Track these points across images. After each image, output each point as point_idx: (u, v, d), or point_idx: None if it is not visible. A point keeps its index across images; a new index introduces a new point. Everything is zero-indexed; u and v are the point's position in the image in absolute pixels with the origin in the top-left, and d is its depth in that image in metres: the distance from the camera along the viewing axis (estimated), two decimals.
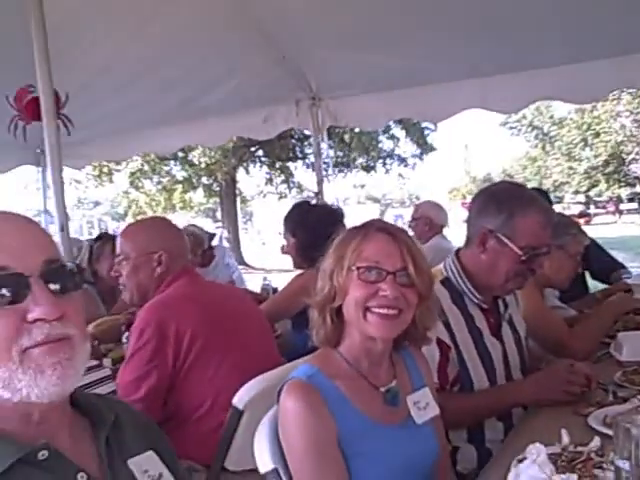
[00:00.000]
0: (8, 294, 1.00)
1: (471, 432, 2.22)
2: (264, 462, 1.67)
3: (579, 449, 1.66)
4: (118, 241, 2.67)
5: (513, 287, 2.32)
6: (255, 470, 1.75)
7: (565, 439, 1.71)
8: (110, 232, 4.49)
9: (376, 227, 1.68)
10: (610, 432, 1.74)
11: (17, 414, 1.03)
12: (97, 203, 46.87)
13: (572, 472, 1.51)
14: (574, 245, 3.01)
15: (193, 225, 5.81)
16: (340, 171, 21.30)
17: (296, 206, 3.68)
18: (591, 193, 37.48)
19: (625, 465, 1.35)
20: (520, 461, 1.53)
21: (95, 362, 2.48)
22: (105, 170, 19.28)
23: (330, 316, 1.67)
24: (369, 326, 1.61)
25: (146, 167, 20.79)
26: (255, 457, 1.70)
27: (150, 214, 22.83)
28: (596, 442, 1.66)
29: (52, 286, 1.04)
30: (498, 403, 2.21)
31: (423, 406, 1.73)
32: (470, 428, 2.22)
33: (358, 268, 1.61)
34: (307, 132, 8.54)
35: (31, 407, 1.03)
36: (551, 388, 2.11)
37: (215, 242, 5.83)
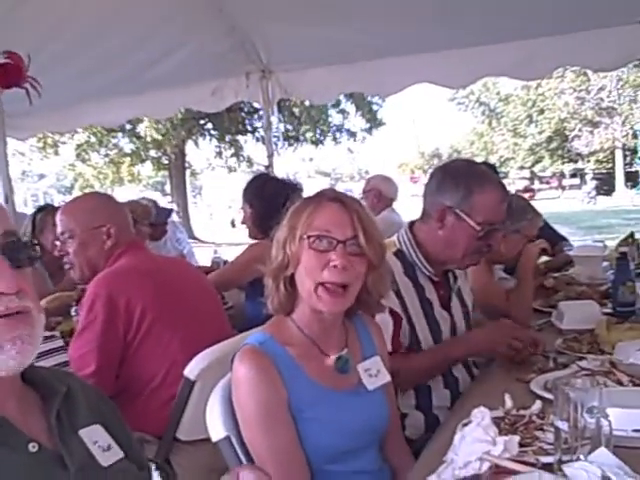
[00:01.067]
0: None
1: (419, 399, 2.27)
2: (216, 430, 1.69)
3: (521, 412, 1.73)
4: (59, 219, 2.59)
5: (469, 263, 2.37)
6: (207, 440, 1.77)
7: (508, 403, 1.78)
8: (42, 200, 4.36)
9: (328, 196, 1.69)
10: (550, 396, 1.82)
11: None
12: (42, 176, 45.57)
13: (514, 434, 1.57)
14: (530, 229, 3.13)
15: (146, 198, 5.73)
16: (290, 145, 21.21)
17: (254, 178, 3.71)
18: (535, 169, 38.29)
19: (564, 426, 1.41)
20: (465, 425, 1.59)
21: (48, 333, 2.44)
22: (50, 142, 18.75)
23: (283, 284, 1.68)
24: (318, 301, 1.63)
25: (93, 139, 20.27)
26: (207, 426, 1.72)
27: (98, 187, 22.37)
28: (537, 406, 1.74)
29: (9, 260, 1.03)
30: (448, 354, 2.28)
31: (374, 373, 1.77)
32: (418, 395, 2.27)
33: (309, 237, 1.63)
34: (257, 105, 8.46)
35: None
36: (497, 339, 2.23)
37: (172, 218, 5.76)
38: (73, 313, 3.09)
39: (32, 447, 1.05)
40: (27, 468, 1.03)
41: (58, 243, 2.59)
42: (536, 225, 3.16)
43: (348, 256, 1.62)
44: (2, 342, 1.00)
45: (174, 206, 20.77)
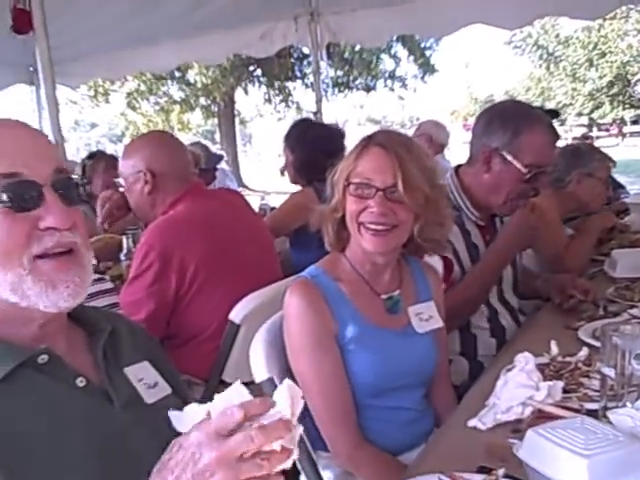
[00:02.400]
0: (21, 201, 1.00)
1: (464, 346, 2.26)
2: (259, 371, 1.72)
3: (567, 359, 1.71)
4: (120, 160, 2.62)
5: (515, 207, 2.30)
6: (252, 382, 1.79)
7: (554, 350, 1.75)
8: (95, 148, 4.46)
9: (375, 141, 1.69)
10: (598, 344, 1.79)
11: (20, 319, 1.05)
12: (94, 125, 46.16)
13: (559, 380, 1.55)
14: (602, 170, 3.09)
15: (197, 143, 5.79)
16: (340, 91, 20.91)
17: (296, 123, 3.64)
18: (594, 115, 36.95)
19: (610, 372, 1.39)
20: (509, 370, 1.57)
21: (97, 276, 2.49)
22: (101, 90, 18.90)
23: (335, 224, 1.73)
24: (363, 240, 1.67)
25: (143, 87, 20.37)
26: (250, 367, 1.74)
27: None
28: (584, 352, 1.71)
29: (61, 197, 1.04)
30: (493, 258, 2.25)
31: (426, 318, 1.78)
32: (463, 342, 2.26)
33: (350, 184, 1.67)
34: (306, 51, 8.34)
35: (35, 313, 1.04)
36: (533, 225, 2.25)
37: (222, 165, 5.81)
38: (122, 258, 3.13)
39: (80, 382, 1.07)
40: (76, 402, 1.05)
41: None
42: (607, 166, 3.13)
43: (388, 203, 1.62)
44: (56, 282, 1.02)
45: (223, 154, 20.88)
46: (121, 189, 2.58)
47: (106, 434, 1.05)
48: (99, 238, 3.38)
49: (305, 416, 1.65)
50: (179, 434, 0.90)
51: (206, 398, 2.45)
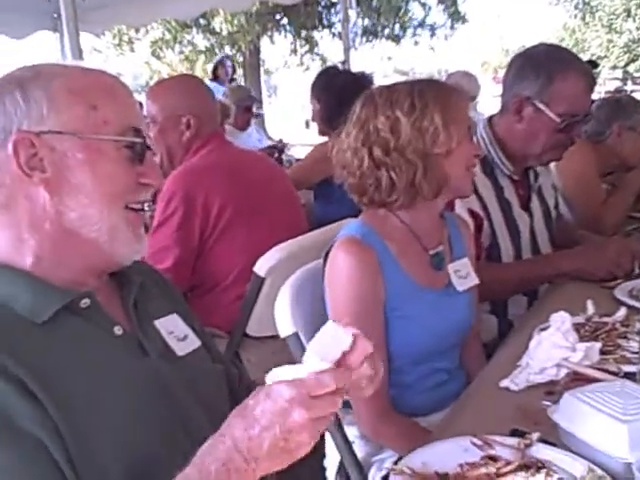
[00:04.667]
0: (139, 155, 1.08)
1: (494, 304, 2.20)
2: (285, 327, 1.68)
3: (604, 319, 1.65)
4: (145, 102, 2.53)
5: (551, 158, 2.24)
6: (275, 336, 1.76)
7: (590, 309, 1.70)
8: None
9: (459, 92, 1.70)
10: (636, 304, 1.73)
11: (84, 262, 1.08)
12: (119, 74, 45.72)
13: (596, 341, 1.50)
14: None
15: (237, 87, 5.93)
16: (368, 41, 20.51)
17: (323, 71, 3.58)
18: (630, 68, 35.92)
19: None
20: (543, 330, 1.52)
21: None
22: (125, 39, 18.76)
23: (434, 168, 1.59)
24: (467, 183, 1.67)
25: (167, 35, 20.17)
26: (276, 322, 1.71)
27: None
28: (622, 312, 1.65)
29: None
30: (541, 271, 2.15)
31: (464, 275, 1.72)
32: (493, 300, 2.20)
33: (468, 126, 1.65)
34: None
35: (105, 260, 1.09)
36: (598, 264, 2.05)
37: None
38: (146, 208, 3.10)
39: (117, 330, 1.08)
40: (114, 350, 1.06)
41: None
42: None
43: None
44: (139, 236, 1.10)
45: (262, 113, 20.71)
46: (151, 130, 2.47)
47: (148, 381, 1.06)
48: None
49: None
50: (211, 388, 0.90)
51: (229, 351, 2.44)
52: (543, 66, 2.09)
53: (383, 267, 1.57)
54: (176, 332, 1.19)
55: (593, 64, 2.80)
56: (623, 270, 2.04)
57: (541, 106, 2.08)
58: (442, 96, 1.59)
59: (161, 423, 1.04)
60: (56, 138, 1.02)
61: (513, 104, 2.13)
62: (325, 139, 3.29)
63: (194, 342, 1.21)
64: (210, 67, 23.22)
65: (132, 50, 20.25)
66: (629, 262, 2.06)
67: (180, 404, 1.08)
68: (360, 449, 1.64)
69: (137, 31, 17.30)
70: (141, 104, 3.84)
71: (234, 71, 7.35)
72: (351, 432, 1.65)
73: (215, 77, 7.09)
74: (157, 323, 1.18)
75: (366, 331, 1.51)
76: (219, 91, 5.97)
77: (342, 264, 1.56)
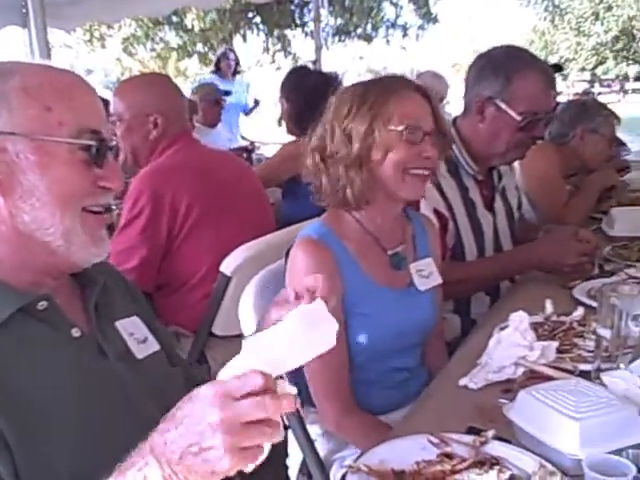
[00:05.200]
0: (98, 157, 1.06)
1: (457, 304, 2.23)
2: (249, 325, 1.69)
3: (562, 319, 1.68)
4: (112, 99, 2.49)
5: (514, 157, 2.27)
6: (241, 335, 1.76)
7: (549, 309, 1.73)
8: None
9: (410, 86, 1.63)
10: (593, 303, 1.76)
11: (41, 265, 1.06)
12: (89, 71, 45.28)
13: (553, 340, 1.53)
14: (607, 126, 3.03)
15: (205, 81, 5.83)
16: (340, 40, 20.53)
17: (292, 71, 3.57)
18: (598, 71, 36.45)
19: (606, 333, 1.36)
20: (502, 329, 1.55)
21: None
22: (97, 35, 18.54)
23: (362, 179, 1.60)
24: (404, 189, 1.61)
25: (139, 32, 19.98)
26: (239, 321, 1.71)
27: None
28: (579, 312, 1.68)
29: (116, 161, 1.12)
30: (506, 267, 2.19)
31: (426, 275, 1.74)
32: (457, 299, 2.23)
33: (402, 128, 1.57)
34: None
35: (62, 263, 1.07)
36: (564, 258, 2.08)
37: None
38: (113, 207, 3.08)
39: (75, 332, 1.07)
40: (71, 352, 1.05)
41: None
42: (612, 123, 3.07)
43: (433, 147, 1.60)
44: (96, 239, 1.07)
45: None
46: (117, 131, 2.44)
47: (106, 384, 1.05)
48: None
49: (296, 372, 1.63)
50: (169, 391, 0.88)
51: (195, 350, 2.43)
52: (503, 66, 2.11)
53: (340, 266, 1.58)
54: (137, 334, 1.19)
55: (558, 67, 2.85)
56: (588, 260, 2.08)
57: (502, 105, 2.11)
58: (380, 101, 1.58)
59: (119, 426, 1.03)
60: (8, 139, 1.00)
61: (475, 104, 2.16)
62: (293, 138, 3.30)
63: (153, 345, 1.20)
64: (183, 64, 22.93)
65: (103, 46, 20.01)
66: (590, 247, 2.09)
67: (138, 406, 1.07)
68: (322, 447, 1.65)
69: (109, 27, 17.08)
70: (106, 102, 3.79)
71: (237, 64, 6.91)
72: (313, 430, 1.66)
73: (217, 70, 6.74)
74: (118, 325, 1.17)
75: None
76: (221, 85, 5.88)
77: (300, 263, 1.58)
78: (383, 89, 1.61)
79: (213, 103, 5.42)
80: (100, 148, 1.06)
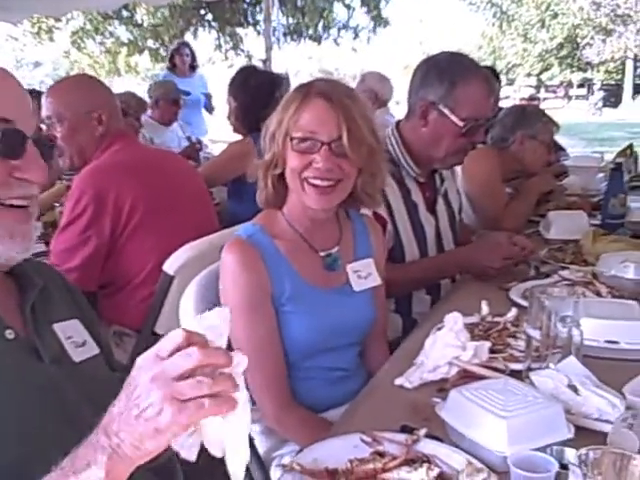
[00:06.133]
0: (9, 148, 1.02)
1: (398, 303, 2.27)
2: (189, 325, 1.68)
3: (496, 319, 1.72)
4: (46, 102, 2.43)
5: (454, 161, 2.32)
6: None
7: (484, 310, 1.77)
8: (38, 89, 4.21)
9: (317, 90, 1.59)
10: (527, 304, 1.81)
11: None
12: (38, 64, 44.21)
13: (487, 340, 1.57)
14: (546, 133, 3.11)
15: (163, 81, 5.68)
16: (293, 40, 20.54)
17: (240, 70, 3.59)
18: (543, 77, 37.37)
19: (536, 334, 1.40)
20: (439, 329, 1.58)
21: None
22: (44, 27, 18.12)
23: (272, 180, 1.65)
24: (307, 197, 1.60)
25: (88, 26, 19.59)
26: (179, 320, 1.71)
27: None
28: (513, 313, 1.73)
29: (41, 152, 1.07)
30: (440, 270, 2.27)
31: (364, 275, 1.74)
32: (398, 299, 2.26)
33: (292, 139, 1.57)
34: None
35: None
36: (491, 262, 2.15)
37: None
38: (57, 204, 3.03)
39: (9, 334, 1.05)
40: (4, 354, 1.03)
41: (44, 127, 2.46)
42: (550, 130, 3.16)
43: (333, 157, 1.56)
44: (14, 233, 1.03)
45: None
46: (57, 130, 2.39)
47: (40, 387, 1.03)
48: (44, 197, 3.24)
49: None
50: (107, 396, 0.88)
51: (138, 350, 2.42)
52: (446, 72, 2.16)
53: (269, 264, 1.59)
54: (75, 337, 1.17)
55: (494, 72, 2.92)
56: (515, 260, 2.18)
57: (445, 111, 2.15)
58: (285, 106, 1.61)
59: (54, 430, 1.01)
60: None
61: (419, 108, 2.19)
62: (240, 137, 3.30)
63: (92, 349, 1.19)
64: (133, 60, 22.54)
65: (52, 39, 19.56)
66: (520, 250, 2.18)
67: (74, 410, 1.05)
68: (261, 445, 1.66)
69: (57, 20, 16.69)
70: (33, 94, 3.68)
71: (194, 59, 6.52)
72: (252, 428, 1.66)
73: (173, 67, 6.41)
74: (56, 327, 1.14)
75: (256, 322, 1.57)
76: (179, 84, 5.63)
77: (227, 263, 1.60)
78: (295, 94, 1.62)
79: (171, 103, 5.32)
80: (16, 137, 1.02)
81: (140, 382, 0.76)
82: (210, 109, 6.34)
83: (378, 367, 1.77)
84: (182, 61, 6.31)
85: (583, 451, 0.97)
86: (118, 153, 2.42)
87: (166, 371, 0.75)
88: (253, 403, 1.64)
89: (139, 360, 0.79)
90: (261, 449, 1.65)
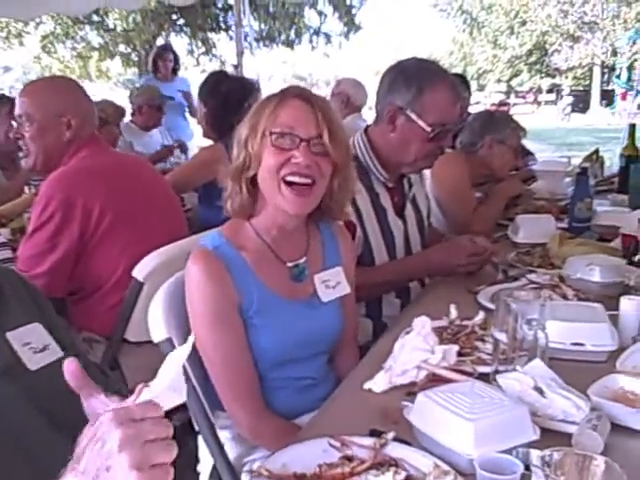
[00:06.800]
0: None
1: (369, 307, 2.28)
2: (158, 332, 1.67)
3: (465, 323, 1.73)
4: (19, 100, 2.42)
5: (422, 166, 2.33)
6: (151, 342, 1.75)
7: (453, 313, 1.78)
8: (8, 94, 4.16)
9: (293, 93, 1.60)
10: (493, 307, 1.83)
11: None
12: (7, 69, 43.65)
13: (455, 344, 1.58)
14: (514, 138, 3.15)
15: (148, 86, 5.59)
16: (265, 45, 20.54)
17: (210, 75, 3.59)
18: (513, 82, 37.88)
19: (503, 337, 1.42)
20: (408, 333, 1.59)
21: None
22: (14, 31, 17.91)
23: (245, 186, 1.62)
24: (282, 199, 1.57)
25: (59, 30, 19.39)
26: (149, 327, 1.69)
27: None
28: (480, 316, 1.74)
29: None
30: (408, 273, 2.29)
31: (332, 285, 1.73)
32: (368, 303, 2.27)
33: (271, 134, 1.55)
34: (231, 1, 8.13)
35: None
36: (456, 262, 2.19)
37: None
38: (27, 211, 2.99)
39: None
40: None
41: (15, 124, 2.42)
42: (518, 135, 3.20)
43: (312, 155, 1.55)
44: None
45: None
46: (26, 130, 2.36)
47: None
48: (10, 205, 3.19)
49: (205, 378, 1.63)
50: (67, 403, 0.86)
51: (108, 357, 2.39)
52: (414, 78, 2.17)
53: (235, 276, 1.57)
54: (34, 343, 1.14)
55: (462, 78, 2.95)
56: (480, 261, 2.21)
57: (413, 116, 2.16)
58: (258, 109, 1.61)
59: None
60: None
61: (387, 114, 2.21)
62: (210, 142, 3.30)
63: (55, 353, 1.15)
64: (104, 65, 22.28)
65: (21, 44, 19.34)
66: (483, 250, 2.22)
67: (19, 426, 1.02)
68: (232, 451, 1.65)
69: (26, 24, 16.50)
70: (3, 99, 3.63)
71: (177, 62, 6.26)
72: (223, 435, 1.66)
73: (155, 71, 6.17)
74: (10, 335, 1.11)
75: (223, 334, 1.56)
76: (162, 89, 5.51)
77: (192, 273, 1.58)
78: (271, 98, 1.62)
79: (155, 109, 5.23)
80: None
81: (110, 439, 0.76)
82: (191, 110, 6.21)
83: (348, 372, 1.78)
84: (165, 66, 6.16)
85: (547, 452, 0.98)
86: (86, 159, 2.40)
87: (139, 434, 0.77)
88: (222, 410, 1.64)
89: (107, 415, 0.78)
90: (231, 455, 1.63)
